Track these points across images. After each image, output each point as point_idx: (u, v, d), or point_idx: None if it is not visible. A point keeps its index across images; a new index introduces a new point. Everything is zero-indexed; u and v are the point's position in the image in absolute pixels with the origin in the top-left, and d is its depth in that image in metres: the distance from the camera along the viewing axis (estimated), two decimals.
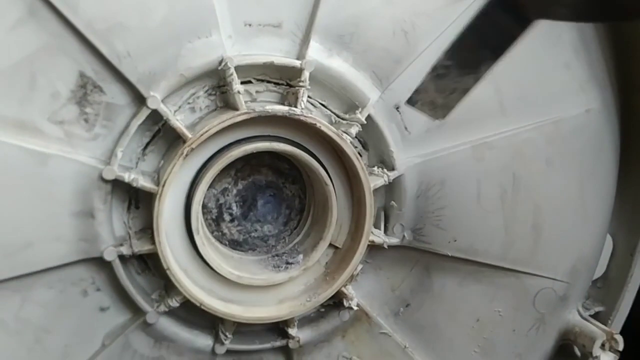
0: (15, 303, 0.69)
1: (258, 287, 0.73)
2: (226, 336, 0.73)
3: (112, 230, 0.69)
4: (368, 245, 0.75)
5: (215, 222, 0.76)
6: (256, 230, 0.77)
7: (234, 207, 0.76)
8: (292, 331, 0.75)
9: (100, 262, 0.69)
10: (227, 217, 0.76)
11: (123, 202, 0.69)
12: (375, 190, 0.74)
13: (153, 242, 0.67)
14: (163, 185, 0.65)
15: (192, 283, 0.69)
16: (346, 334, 0.80)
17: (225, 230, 0.77)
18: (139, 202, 0.70)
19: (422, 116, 0.58)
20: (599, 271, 0.97)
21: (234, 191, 0.76)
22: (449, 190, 0.79)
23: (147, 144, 0.69)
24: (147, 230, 0.70)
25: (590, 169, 0.87)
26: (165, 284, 0.72)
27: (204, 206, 0.75)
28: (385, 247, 0.76)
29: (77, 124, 0.66)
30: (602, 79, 0.85)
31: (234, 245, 0.77)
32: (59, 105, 0.65)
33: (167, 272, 0.67)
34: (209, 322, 0.75)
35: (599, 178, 0.89)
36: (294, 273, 0.73)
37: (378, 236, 0.76)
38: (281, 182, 0.77)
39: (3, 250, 0.66)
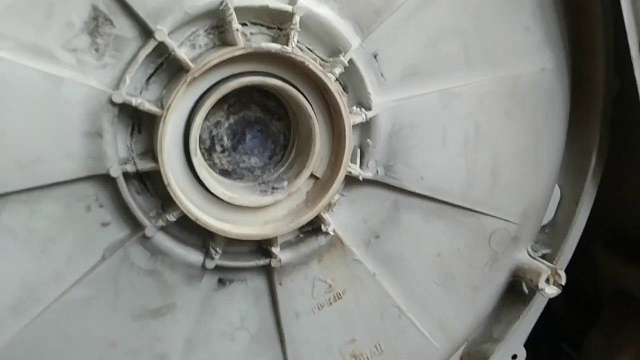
0: (24, 214, 0.76)
1: (246, 209, 0.81)
2: (216, 251, 0.81)
3: (117, 151, 0.76)
4: (345, 177, 0.84)
5: (207, 152, 0.84)
6: (244, 162, 0.85)
7: (225, 139, 0.84)
8: (275, 250, 0.83)
9: (104, 180, 0.77)
10: (218, 148, 0.84)
11: (127, 126, 0.77)
12: (354, 127, 0.83)
13: (155, 161, 0.75)
14: (167, 109, 0.73)
15: (188, 201, 0.77)
16: (322, 258, 0.89)
17: (217, 160, 0.84)
18: (141, 127, 0.78)
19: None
20: (547, 218, 1.08)
21: (226, 125, 0.84)
22: (418, 133, 0.88)
23: (151, 75, 0.77)
24: (148, 153, 0.78)
25: (543, 122, 0.98)
26: (163, 204, 0.80)
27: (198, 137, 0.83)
28: (360, 179, 0.85)
29: (88, 53, 0.74)
30: (556, 42, 0.95)
31: (224, 174, 0.85)
32: (73, 35, 0.73)
33: (168, 187, 0.75)
34: (200, 240, 0.83)
35: (551, 132, 1.00)
36: (279, 197, 0.81)
37: (354, 169, 0.85)
38: (268, 118, 0.86)
39: (17, 163, 0.73)
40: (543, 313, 1.51)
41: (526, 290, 1.07)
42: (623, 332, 1.27)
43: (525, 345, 1.16)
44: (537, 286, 1.00)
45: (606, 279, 1.38)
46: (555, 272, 0.99)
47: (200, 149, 0.83)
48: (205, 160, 0.84)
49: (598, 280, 1.42)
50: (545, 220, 1.08)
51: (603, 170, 1.06)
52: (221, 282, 0.86)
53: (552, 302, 1.55)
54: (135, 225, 0.80)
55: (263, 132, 0.86)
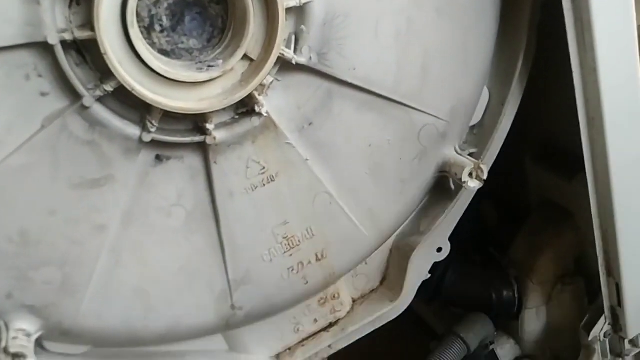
0: None
1: (182, 85, 0.85)
2: (152, 124, 0.85)
3: (55, 20, 0.78)
4: (279, 61, 0.88)
5: (147, 31, 0.86)
6: (183, 43, 0.88)
7: (164, 20, 0.87)
8: (210, 126, 0.87)
9: (43, 49, 0.79)
10: (157, 28, 0.87)
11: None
12: (288, 12, 0.86)
13: (92, 31, 0.77)
14: None
15: (125, 72, 0.80)
16: (256, 140, 0.93)
17: (156, 40, 0.87)
18: None
19: None
20: (476, 119, 1.14)
21: (165, 4, 0.86)
22: (352, 23, 0.92)
23: None
24: (87, 25, 0.80)
25: (473, 23, 1.03)
26: (101, 77, 0.83)
27: (137, 15, 0.85)
28: (294, 63, 0.89)
29: None
30: None
31: (163, 53, 0.87)
32: None
33: (104, 57, 0.78)
34: (138, 116, 0.86)
35: (481, 34, 1.05)
36: (214, 74, 0.85)
37: (288, 53, 0.89)
38: (207, 1, 0.88)
39: None
40: (475, 225, 1.60)
41: (453, 187, 1.14)
42: (544, 236, 1.36)
43: (457, 251, 1.24)
44: (460, 179, 1.06)
45: (534, 190, 1.47)
46: (478, 167, 1.06)
47: (139, 27, 0.86)
48: (145, 39, 0.86)
49: (527, 192, 1.51)
50: (474, 121, 1.14)
51: (532, 81, 1.13)
52: (158, 158, 0.90)
53: (484, 214, 1.64)
54: (74, 95, 0.82)
55: (202, 14, 0.88)
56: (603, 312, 1.29)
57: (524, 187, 1.52)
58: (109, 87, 0.81)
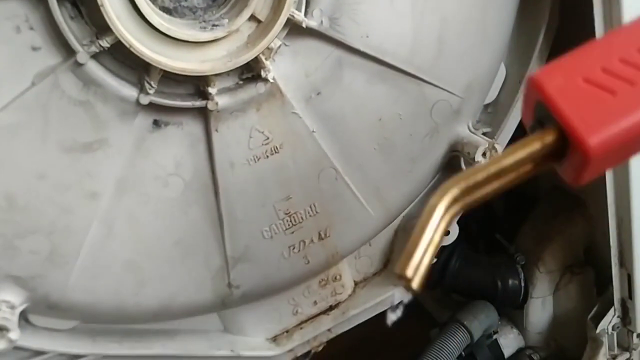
0: None
1: (184, 45, 0.79)
2: (151, 86, 0.79)
3: None
4: (288, 23, 0.83)
5: None
6: (186, 0, 0.83)
7: None
8: (212, 90, 0.82)
9: (35, 0, 0.74)
10: None
11: None
12: None
13: None
14: None
15: (123, 27, 0.74)
16: (260, 107, 0.88)
17: None
18: None
19: None
20: (491, 96, 1.09)
21: None
22: None
23: None
24: None
25: None
26: (97, 31, 0.77)
27: None
28: (304, 26, 0.83)
29: None
30: None
31: (165, 11, 0.82)
32: None
33: (102, 9, 0.72)
34: (135, 77, 0.81)
35: (501, 5, 1.00)
36: (219, 34, 0.79)
37: (298, 15, 0.83)
38: None
39: None
40: (482, 211, 1.55)
41: (464, 167, 1.09)
42: (554, 224, 1.32)
43: (463, 237, 1.19)
44: (473, 159, 1.01)
45: (544, 177, 1.42)
46: (492, 146, 1.01)
47: None
48: None
49: (536, 179, 1.45)
50: (489, 99, 1.09)
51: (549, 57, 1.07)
52: (156, 123, 0.85)
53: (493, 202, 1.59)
54: (67, 51, 0.77)
55: None
56: (612, 304, 1.25)
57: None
58: (105, 43, 0.76)
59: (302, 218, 0.99)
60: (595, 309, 1.30)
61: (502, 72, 1.08)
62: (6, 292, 0.86)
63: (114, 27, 0.73)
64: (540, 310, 1.38)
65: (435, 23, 0.93)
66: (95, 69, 0.78)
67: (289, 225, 0.98)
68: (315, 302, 1.14)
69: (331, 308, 1.16)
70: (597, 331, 1.28)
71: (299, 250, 1.01)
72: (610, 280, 1.23)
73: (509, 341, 1.43)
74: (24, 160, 0.80)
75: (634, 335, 1.28)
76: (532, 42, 1.05)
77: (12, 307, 0.86)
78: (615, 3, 0.94)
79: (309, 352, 1.15)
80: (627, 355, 1.32)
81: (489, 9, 0.97)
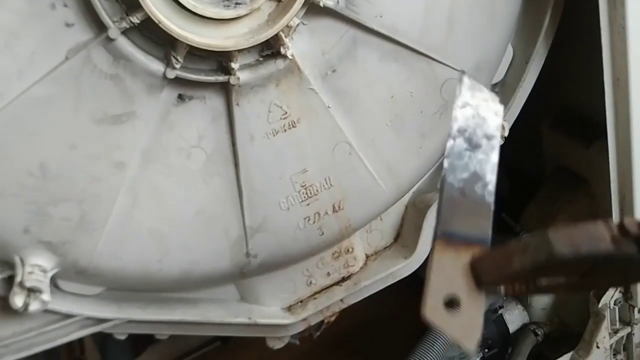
0: None
1: (209, 22, 0.83)
2: (177, 60, 0.84)
3: None
4: (306, 2, 0.87)
5: None
6: None
7: None
8: (234, 65, 0.86)
9: None
10: None
11: None
12: None
13: None
14: None
15: (152, 4, 0.79)
16: (280, 83, 0.92)
17: None
18: None
19: None
20: (499, 76, 1.13)
21: None
22: None
23: None
24: None
25: None
26: (127, 8, 0.81)
27: None
28: (321, 5, 0.88)
29: None
30: None
31: None
32: None
33: None
34: (162, 52, 0.85)
35: None
36: (241, 12, 0.84)
37: None
38: None
39: None
40: None
41: None
42: (558, 203, 1.36)
43: None
44: None
45: (549, 157, 1.46)
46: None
47: None
48: None
49: (541, 159, 1.50)
50: (497, 79, 1.13)
51: (554, 45, 1.11)
52: (181, 97, 0.90)
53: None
54: (99, 27, 0.81)
55: None
56: None
57: (537, 154, 1.51)
58: (135, 20, 0.80)
59: (317, 190, 1.03)
60: None
61: (509, 53, 1.12)
62: (38, 256, 0.91)
63: (144, 4, 0.78)
64: None
65: (445, 4, 0.98)
66: (125, 44, 0.83)
67: (304, 197, 1.03)
68: (329, 274, 1.18)
69: (344, 279, 1.20)
70: (599, 306, 1.32)
71: (314, 222, 1.06)
72: None
73: (514, 317, 1.48)
74: (57, 131, 0.85)
75: (635, 310, 1.32)
76: (538, 23, 1.09)
77: (44, 271, 0.91)
78: None
79: (322, 321, 1.20)
80: (628, 329, 1.37)
81: None
